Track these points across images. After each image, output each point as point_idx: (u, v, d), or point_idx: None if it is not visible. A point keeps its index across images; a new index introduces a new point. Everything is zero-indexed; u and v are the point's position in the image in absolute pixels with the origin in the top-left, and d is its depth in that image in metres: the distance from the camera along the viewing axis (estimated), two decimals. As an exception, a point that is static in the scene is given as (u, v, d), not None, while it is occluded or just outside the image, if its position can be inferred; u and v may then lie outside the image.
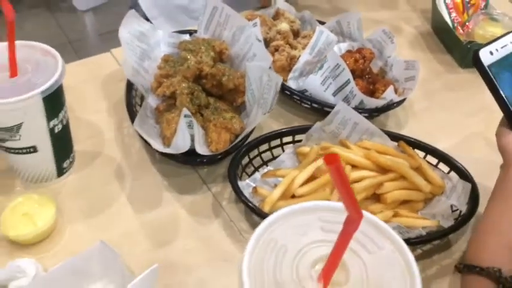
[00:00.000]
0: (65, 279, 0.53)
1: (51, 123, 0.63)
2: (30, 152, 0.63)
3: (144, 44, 0.84)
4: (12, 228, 0.60)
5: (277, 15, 0.94)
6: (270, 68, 0.78)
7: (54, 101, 0.61)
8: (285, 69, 0.88)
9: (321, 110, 0.80)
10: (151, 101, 0.80)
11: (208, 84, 0.78)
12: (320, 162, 0.68)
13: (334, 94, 0.79)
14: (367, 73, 0.82)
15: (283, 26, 0.90)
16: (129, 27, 0.82)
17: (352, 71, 0.80)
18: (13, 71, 0.60)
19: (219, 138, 0.70)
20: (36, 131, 0.62)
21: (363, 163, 0.68)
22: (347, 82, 0.77)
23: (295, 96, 0.81)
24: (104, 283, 0.54)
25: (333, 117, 0.71)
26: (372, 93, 0.81)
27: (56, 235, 0.63)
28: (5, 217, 0.61)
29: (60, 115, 0.64)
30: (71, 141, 0.70)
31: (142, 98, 0.81)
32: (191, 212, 0.68)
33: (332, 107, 0.75)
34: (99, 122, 0.81)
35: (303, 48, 0.90)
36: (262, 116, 0.68)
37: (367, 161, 0.68)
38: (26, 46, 0.63)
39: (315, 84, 0.78)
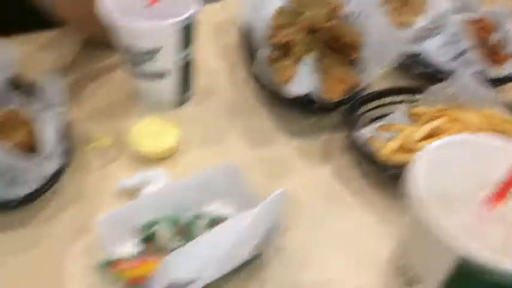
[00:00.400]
0: (192, 190, 0.56)
1: (183, 53, 0.66)
2: (160, 77, 0.67)
3: (260, -6, 0.86)
4: (141, 144, 0.64)
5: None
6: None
7: (189, 32, 0.64)
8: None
9: (433, 76, 0.78)
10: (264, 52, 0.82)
11: (323, 36, 0.79)
12: (439, 121, 0.67)
13: (452, 60, 0.77)
14: (486, 44, 0.79)
15: None
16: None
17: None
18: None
19: (334, 88, 0.71)
20: (171, 58, 0.65)
21: (484, 128, 0.66)
22: (466, 50, 0.75)
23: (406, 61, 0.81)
24: (224, 202, 0.57)
25: (453, 82, 0.70)
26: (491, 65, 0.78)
27: (180, 154, 0.66)
28: (134, 134, 0.65)
29: (190, 49, 0.67)
30: (192, 76, 0.74)
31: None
32: (302, 154, 0.69)
33: (447, 73, 0.74)
34: (212, 64, 0.84)
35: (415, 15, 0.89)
36: (378, 71, 0.68)
37: (489, 127, 0.66)
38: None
39: (432, 49, 0.77)
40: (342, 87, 0.71)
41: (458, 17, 0.87)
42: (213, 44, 0.89)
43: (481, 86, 0.70)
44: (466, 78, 0.69)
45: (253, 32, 0.80)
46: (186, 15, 0.61)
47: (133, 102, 0.74)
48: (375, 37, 0.71)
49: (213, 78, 0.81)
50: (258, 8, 0.85)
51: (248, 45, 0.81)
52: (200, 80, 0.79)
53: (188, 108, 0.74)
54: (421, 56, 0.79)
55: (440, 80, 0.72)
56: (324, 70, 0.74)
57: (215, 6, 0.98)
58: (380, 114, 0.73)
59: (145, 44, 0.63)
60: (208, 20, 0.93)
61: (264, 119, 0.75)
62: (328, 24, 0.77)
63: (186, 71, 0.70)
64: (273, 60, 0.80)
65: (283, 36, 0.78)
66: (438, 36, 0.76)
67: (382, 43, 0.69)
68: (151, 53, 0.63)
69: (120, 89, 0.76)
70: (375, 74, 0.69)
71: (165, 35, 0.62)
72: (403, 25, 0.86)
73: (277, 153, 0.69)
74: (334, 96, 0.70)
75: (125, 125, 0.69)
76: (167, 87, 0.69)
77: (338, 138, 0.72)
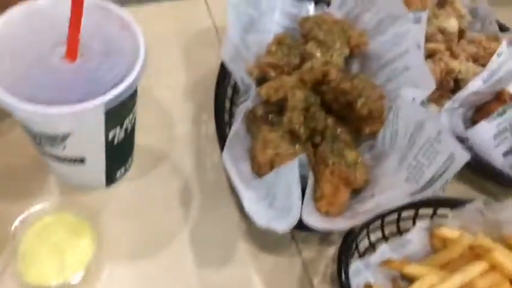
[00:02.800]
0: None
1: (111, 134, 0.43)
2: (75, 163, 0.45)
3: (254, 8, 0.60)
4: (32, 268, 0.43)
5: (443, 2, 0.66)
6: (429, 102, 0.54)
7: (120, 110, 0.41)
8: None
9: (480, 170, 0.56)
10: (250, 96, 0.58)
11: (331, 95, 0.55)
12: (473, 270, 0.46)
13: (506, 154, 0.54)
14: None
15: (451, 23, 0.63)
16: (240, -15, 0.57)
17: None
18: (72, 52, 0.39)
19: (334, 195, 0.48)
20: (89, 143, 0.43)
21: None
22: (534, 146, 0.52)
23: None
24: None
25: (508, 206, 0.48)
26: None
27: (89, 278, 0.46)
28: (26, 246, 0.44)
29: (126, 122, 0.44)
30: (131, 147, 0.51)
31: (235, 89, 0.59)
32: (269, 282, 0.49)
33: (501, 174, 0.52)
34: (171, 104, 0.60)
35: (466, 59, 0.64)
36: (407, 190, 0.45)
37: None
38: (98, 9, 0.42)
39: (485, 136, 0.54)
40: (345, 194, 0.49)
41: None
42: (181, 65, 0.65)
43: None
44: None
45: (237, 72, 0.56)
46: (109, 95, 0.38)
47: (41, 171, 0.52)
48: (408, 125, 0.48)
49: (167, 130, 0.58)
50: (250, 28, 0.59)
51: (223, 92, 0.57)
52: (147, 134, 0.56)
53: (121, 187, 0.52)
54: (468, 143, 0.55)
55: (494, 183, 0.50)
56: (322, 157, 0.51)
57: (194, 1, 0.72)
58: (389, 233, 0.52)
59: (47, 130, 0.40)
60: (177, 25, 0.68)
61: (228, 211, 0.53)
62: (347, 84, 0.52)
63: (120, 148, 0.47)
64: (258, 119, 0.57)
65: (275, 89, 0.54)
66: (500, 118, 0.53)
67: (419, 141, 0.46)
68: (54, 140, 0.41)
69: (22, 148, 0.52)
70: (402, 195, 0.45)
71: (74, 121, 0.39)
72: (448, 75, 0.62)
73: (236, 276, 0.49)
74: (332, 210, 0.48)
75: (15, 211, 0.47)
76: (88, 171, 0.47)
77: (327, 257, 0.51)
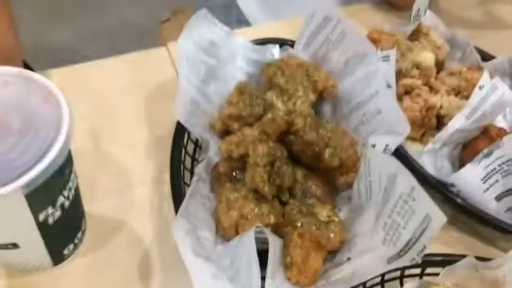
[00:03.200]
0: None
1: (42, 216, 0.38)
2: (8, 248, 0.40)
3: (213, 58, 0.56)
4: None
5: (417, 34, 0.62)
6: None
7: (46, 189, 0.36)
8: (416, 123, 0.58)
9: (474, 216, 0.50)
10: (211, 150, 0.53)
11: (299, 146, 0.50)
12: None
13: (499, 198, 0.49)
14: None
15: (426, 57, 0.58)
16: (195, 35, 0.54)
17: (538, 166, 0.49)
18: (-16, 129, 0.35)
19: (305, 262, 0.43)
20: (16, 228, 0.38)
21: None
22: (528, 187, 0.46)
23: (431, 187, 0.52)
24: None
25: (504, 262, 0.42)
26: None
27: None
28: None
29: (60, 199, 0.39)
30: (78, 220, 0.46)
31: (197, 144, 0.55)
32: None
33: (495, 220, 0.47)
34: (130, 164, 0.56)
35: (448, 93, 0.59)
36: (384, 254, 0.39)
37: None
38: (21, 79, 0.38)
39: (472, 180, 0.48)
40: (318, 261, 0.43)
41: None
42: (142, 123, 0.60)
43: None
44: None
45: (196, 130, 0.52)
46: (27, 177, 0.33)
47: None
48: (381, 178, 0.42)
49: (125, 194, 0.53)
50: (209, 78, 0.55)
51: (179, 151, 0.52)
52: (103, 199, 0.52)
53: (74, 264, 0.47)
54: (454, 188, 0.50)
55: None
56: (290, 218, 0.46)
57: (158, 52, 0.69)
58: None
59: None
60: (139, 78, 0.64)
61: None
62: (312, 135, 0.48)
63: (59, 227, 0.42)
64: (221, 176, 0.52)
65: (236, 144, 0.50)
66: (486, 159, 0.47)
67: (393, 199, 0.40)
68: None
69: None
70: (379, 261, 0.40)
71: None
72: (429, 112, 0.57)
73: None
74: (303, 281, 0.42)
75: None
76: (26, 255, 0.42)
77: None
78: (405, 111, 0.57)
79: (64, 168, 0.38)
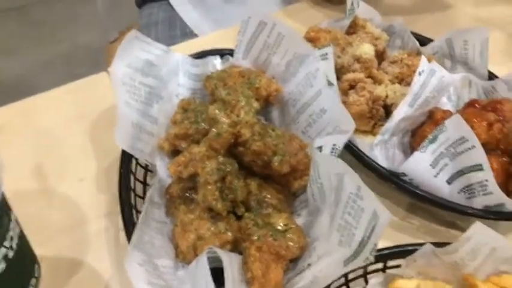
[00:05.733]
0: None
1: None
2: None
3: (153, 78, 0.55)
4: None
5: (354, 27, 0.62)
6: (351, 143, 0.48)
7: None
8: (364, 116, 0.58)
9: (426, 201, 0.50)
10: (163, 173, 0.52)
11: (248, 157, 0.49)
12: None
13: (450, 181, 0.49)
14: (505, 145, 0.51)
15: (365, 49, 0.58)
16: (129, 58, 0.53)
17: (483, 144, 0.49)
18: None
19: (265, 275, 0.42)
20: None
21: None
22: (476, 168, 0.47)
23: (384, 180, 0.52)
24: None
25: (461, 246, 0.42)
26: (509, 178, 0.50)
27: None
28: None
29: (1, 252, 0.37)
30: (27, 268, 0.44)
31: (147, 169, 0.54)
32: None
33: (446, 202, 0.47)
34: (81, 199, 0.54)
35: (392, 82, 0.59)
36: (341, 256, 0.39)
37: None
38: None
39: (422, 167, 0.49)
40: (278, 272, 0.42)
41: (453, 79, 0.58)
42: (90, 154, 0.59)
43: (501, 243, 0.43)
44: (480, 236, 0.42)
45: (142, 155, 0.50)
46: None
47: None
48: (329, 180, 0.42)
49: (79, 232, 0.51)
50: (152, 100, 0.54)
51: (126, 178, 0.51)
52: (57, 241, 0.49)
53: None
54: (406, 177, 0.50)
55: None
56: (246, 233, 0.45)
57: (98, 78, 0.67)
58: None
59: None
60: (83, 107, 0.62)
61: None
62: (259, 144, 0.47)
63: (6, 278, 0.40)
64: (175, 198, 0.51)
65: (184, 164, 0.48)
66: (432, 145, 0.47)
67: (343, 199, 0.40)
68: None
69: None
70: (337, 262, 0.39)
71: None
72: (375, 103, 0.57)
73: None
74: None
75: None
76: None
77: None
78: (352, 106, 0.57)
79: (2, 215, 0.36)
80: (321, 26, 0.61)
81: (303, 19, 0.71)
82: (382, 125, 0.58)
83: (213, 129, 0.49)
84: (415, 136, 0.54)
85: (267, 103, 0.56)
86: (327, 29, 0.60)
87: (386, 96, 0.58)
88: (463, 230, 0.52)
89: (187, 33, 0.92)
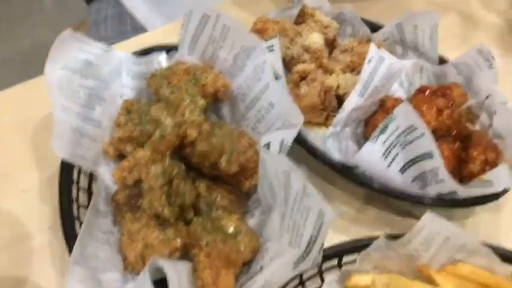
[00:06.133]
0: None
1: None
2: None
3: (92, 78, 0.52)
4: None
5: (302, 17, 0.61)
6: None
7: None
8: (316, 107, 0.56)
9: (380, 192, 0.49)
10: (109, 180, 0.49)
11: (195, 159, 0.47)
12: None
13: (403, 170, 0.48)
14: (456, 131, 0.50)
15: (314, 38, 0.57)
16: (64, 59, 0.49)
17: (433, 131, 0.49)
18: None
19: (217, 283, 0.40)
20: None
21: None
22: (427, 156, 0.46)
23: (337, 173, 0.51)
24: None
25: (414, 237, 0.42)
26: (462, 164, 0.50)
27: None
28: None
29: None
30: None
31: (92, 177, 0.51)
32: None
33: (400, 192, 0.46)
34: (24, 212, 0.51)
35: (343, 71, 0.58)
36: (291, 257, 0.38)
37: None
38: None
39: (374, 158, 0.48)
40: (229, 279, 0.41)
41: (403, 65, 0.57)
42: (33, 164, 0.55)
43: (454, 231, 0.42)
44: (433, 226, 0.41)
45: (83, 162, 0.47)
46: None
47: None
48: (277, 178, 0.41)
49: (22, 247, 0.48)
50: (93, 102, 0.51)
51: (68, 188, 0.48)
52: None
53: None
54: (359, 170, 0.49)
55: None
56: (195, 239, 0.43)
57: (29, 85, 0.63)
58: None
59: None
60: (20, 116, 0.59)
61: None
62: (204, 144, 0.45)
63: None
64: (121, 206, 0.48)
65: (128, 169, 0.46)
66: (382, 135, 0.47)
67: (291, 198, 0.39)
68: None
69: None
70: (288, 264, 0.38)
71: None
72: (328, 94, 0.56)
73: None
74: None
75: None
76: None
77: None
78: (304, 98, 0.56)
79: None
80: (269, 17, 0.59)
81: (253, 9, 0.69)
82: (335, 116, 0.57)
83: (157, 132, 0.46)
84: (368, 125, 0.53)
85: (216, 99, 0.54)
86: (275, 20, 0.58)
87: (338, 86, 0.56)
88: (418, 218, 0.51)
89: (139, 29, 0.88)
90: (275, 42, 0.50)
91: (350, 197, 0.53)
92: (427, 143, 0.45)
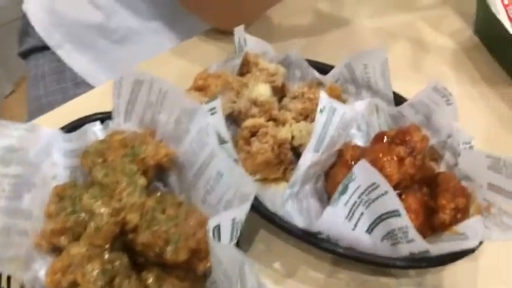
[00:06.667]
0: None
1: None
2: None
3: (16, 164, 0.46)
4: None
5: (247, 65, 0.57)
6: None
7: None
8: (271, 163, 0.52)
9: (348, 257, 0.45)
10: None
11: (140, 248, 0.42)
12: None
13: (370, 230, 0.44)
14: (421, 176, 0.47)
15: (260, 90, 0.53)
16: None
17: (397, 183, 0.45)
18: None
19: None
20: None
21: None
22: (393, 214, 0.42)
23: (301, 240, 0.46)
24: None
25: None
26: (432, 214, 0.46)
27: None
28: None
29: None
30: None
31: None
32: None
33: (368, 256, 0.43)
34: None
35: (296, 120, 0.54)
36: None
37: None
38: None
39: (337, 222, 0.43)
40: None
41: (356, 107, 0.54)
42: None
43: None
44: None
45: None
46: None
47: None
48: (231, 268, 0.36)
49: None
50: (21, 191, 0.45)
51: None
52: None
53: None
54: (323, 235, 0.44)
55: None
56: None
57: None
58: None
59: None
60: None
61: None
62: (147, 235, 0.40)
63: None
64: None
65: (62, 271, 0.40)
66: (343, 196, 0.42)
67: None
68: None
69: None
70: None
71: None
72: (282, 147, 0.52)
73: None
74: None
75: None
76: None
77: None
78: (257, 155, 0.51)
79: None
80: (210, 71, 0.54)
81: (197, 56, 0.65)
82: (293, 169, 0.52)
83: (92, 223, 0.41)
84: (328, 181, 0.50)
85: (161, 169, 0.49)
86: (216, 73, 0.53)
87: (293, 137, 0.52)
88: (394, 276, 0.48)
89: (80, 84, 0.83)
90: (216, 104, 0.45)
91: (318, 259, 0.48)
92: (392, 201, 0.41)
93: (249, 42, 0.56)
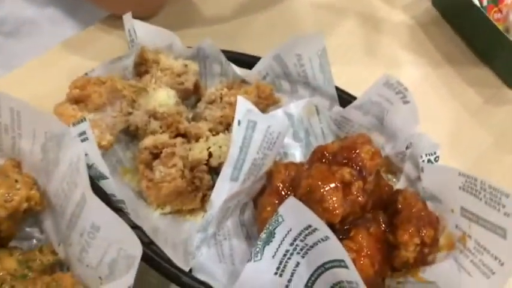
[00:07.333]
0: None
1: None
2: None
3: None
4: None
5: (144, 64, 0.43)
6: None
7: None
8: (184, 192, 0.39)
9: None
10: None
11: None
12: None
13: (311, 284, 0.32)
14: (375, 203, 0.35)
15: (159, 99, 0.39)
16: None
17: (345, 217, 0.33)
18: None
19: None
20: None
21: None
22: (338, 263, 0.31)
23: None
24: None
25: None
26: (392, 250, 0.35)
27: None
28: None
29: None
30: None
31: None
32: None
33: None
34: None
35: (214, 131, 0.42)
36: None
37: None
38: None
39: (265, 280, 0.31)
40: None
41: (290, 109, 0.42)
42: None
43: None
44: None
45: None
46: None
47: None
48: None
49: None
50: None
51: None
52: None
53: None
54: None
55: None
56: None
57: None
58: None
59: None
60: None
61: None
62: None
63: None
64: None
65: None
66: (268, 247, 0.31)
67: None
68: None
69: None
70: None
71: None
72: (195, 170, 0.39)
73: None
74: None
75: None
76: None
77: None
78: (162, 184, 0.39)
79: None
80: (92, 75, 0.40)
81: (97, 50, 0.51)
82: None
83: None
84: (258, 207, 0.37)
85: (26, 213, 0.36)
86: (101, 78, 0.39)
87: (210, 155, 0.40)
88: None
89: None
90: (85, 127, 0.32)
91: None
92: (335, 248, 0.30)
93: (140, 33, 0.42)
